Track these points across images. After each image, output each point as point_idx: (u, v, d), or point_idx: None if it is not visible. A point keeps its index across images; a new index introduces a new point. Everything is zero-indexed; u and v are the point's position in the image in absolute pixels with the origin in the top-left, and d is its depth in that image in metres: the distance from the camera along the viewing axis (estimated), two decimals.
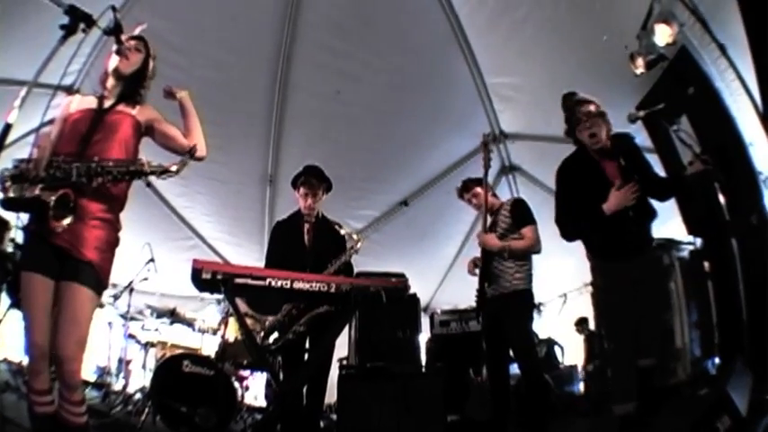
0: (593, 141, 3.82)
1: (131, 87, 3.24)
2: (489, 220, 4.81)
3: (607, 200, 3.70)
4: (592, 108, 3.86)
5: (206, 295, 6.58)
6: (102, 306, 2.87)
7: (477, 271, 4.75)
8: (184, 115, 3.29)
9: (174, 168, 2.93)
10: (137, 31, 3.31)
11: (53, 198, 2.63)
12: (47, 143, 2.87)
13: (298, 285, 3.37)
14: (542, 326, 9.25)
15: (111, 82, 3.22)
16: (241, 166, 8.35)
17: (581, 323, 8.70)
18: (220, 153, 7.62)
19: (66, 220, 2.69)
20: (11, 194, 2.68)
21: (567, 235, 4.01)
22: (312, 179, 4.89)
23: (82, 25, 2.77)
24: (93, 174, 2.81)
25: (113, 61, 3.20)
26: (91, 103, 3.16)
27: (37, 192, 2.65)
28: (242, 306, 4.23)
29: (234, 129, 7.71)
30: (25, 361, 5.83)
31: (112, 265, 2.99)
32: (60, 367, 2.71)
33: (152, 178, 2.99)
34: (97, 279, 2.84)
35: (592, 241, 3.93)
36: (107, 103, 3.16)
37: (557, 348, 8.63)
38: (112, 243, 2.98)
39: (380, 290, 3.38)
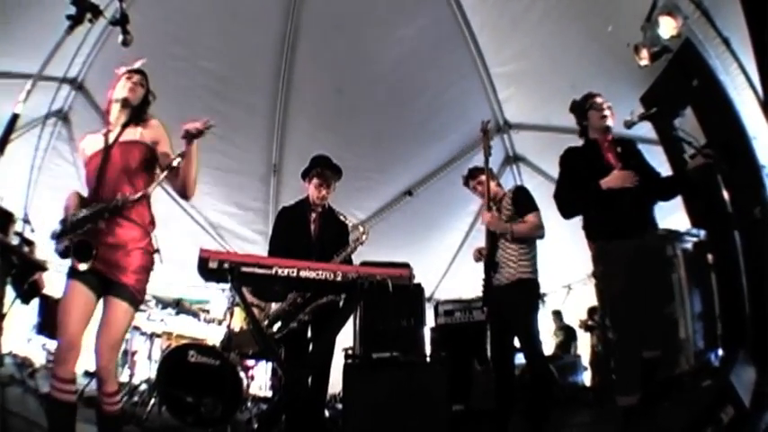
0: (603, 121, 4.02)
1: (136, 113, 3.45)
2: (493, 208, 4.79)
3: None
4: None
5: (211, 285, 6.60)
6: None
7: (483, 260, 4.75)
8: (186, 162, 3.30)
9: (175, 164, 3.19)
10: (137, 65, 3.51)
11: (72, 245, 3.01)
12: (73, 202, 3.19)
13: (304, 274, 3.38)
14: (545, 316, 9.27)
15: (116, 111, 3.42)
16: (246, 156, 8.37)
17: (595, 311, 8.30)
18: (223, 142, 7.64)
19: (83, 266, 2.96)
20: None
21: (565, 208, 4.08)
22: (327, 170, 4.93)
23: (88, 15, 2.79)
24: (121, 208, 3.12)
25: (120, 91, 3.41)
26: (99, 142, 3.34)
27: (66, 243, 3.04)
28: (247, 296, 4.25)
29: (237, 118, 7.75)
30: (31, 354, 5.94)
31: (147, 284, 3.28)
32: (96, 364, 3.01)
33: (156, 171, 3.35)
34: (132, 295, 3.13)
35: (590, 217, 3.99)
36: (112, 137, 3.34)
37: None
38: (148, 267, 3.26)
39: (387, 278, 3.39)
